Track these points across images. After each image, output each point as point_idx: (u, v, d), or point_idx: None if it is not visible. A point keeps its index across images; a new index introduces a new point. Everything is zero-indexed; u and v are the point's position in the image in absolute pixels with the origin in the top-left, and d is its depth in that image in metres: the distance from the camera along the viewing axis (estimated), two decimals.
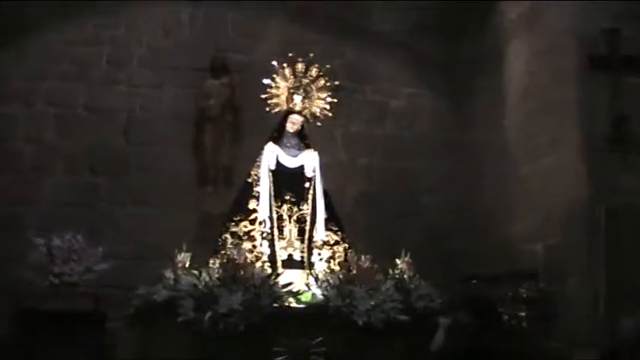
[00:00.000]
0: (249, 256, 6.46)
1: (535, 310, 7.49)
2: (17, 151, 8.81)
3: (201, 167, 8.92)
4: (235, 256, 6.08)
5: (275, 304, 5.99)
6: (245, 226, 6.87)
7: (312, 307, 6.07)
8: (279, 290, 6.01)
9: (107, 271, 7.76)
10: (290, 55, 7.46)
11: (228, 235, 6.83)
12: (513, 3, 8.56)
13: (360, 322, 5.90)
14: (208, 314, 5.76)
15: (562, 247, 7.51)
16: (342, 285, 6.06)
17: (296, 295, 6.13)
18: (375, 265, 6.38)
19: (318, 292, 6.14)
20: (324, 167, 9.06)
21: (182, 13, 9.27)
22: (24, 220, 8.60)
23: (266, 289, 5.93)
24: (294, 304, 6.11)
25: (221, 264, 6.08)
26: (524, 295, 7.58)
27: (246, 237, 6.83)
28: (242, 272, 5.98)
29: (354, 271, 6.18)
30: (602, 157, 7.24)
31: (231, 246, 6.53)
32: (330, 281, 6.11)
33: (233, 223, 6.90)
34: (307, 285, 6.27)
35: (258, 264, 6.50)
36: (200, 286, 5.94)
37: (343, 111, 9.30)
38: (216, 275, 6.02)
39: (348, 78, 9.44)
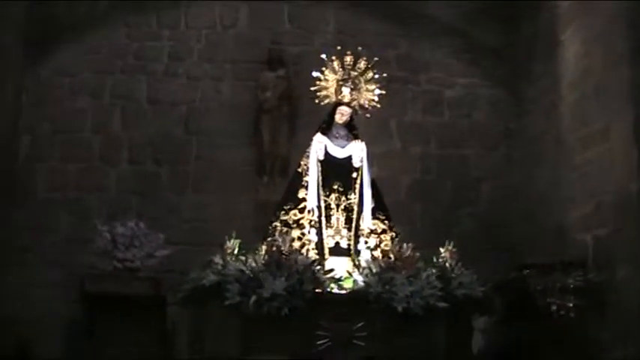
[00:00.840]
0: (296, 243, 6.70)
1: (583, 300, 7.49)
2: (86, 141, 9.25)
3: (258, 158, 9.17)
4: (280, 243, 6.27)
5: (317, 290, 6.16)
6: (295, 215, 7.05)
7: (354, 293, 6.23)
8: (322, 276, 6.20)
9: (168, 257, 8.05)
10: (339, 48, 7.60)
11: (278, 223, 7.03)
12: None
13: (400, 308, 6.04)
14: (253, 298, 5.99)
15: (612, 236, 7.45)
16: (383, 272, 6.19)
17: (338, 281, 6.31)
18: (417, 253, 6.47)
19: (360, 279, 6.29)
20: (377, 157, 9.29)
21: (240, 7, 9.51)
22: (91, 207, 9.03)
23: (309, 275, 6.12)
24: (336, 290, 6.26)
25: (266, 250, 6.29)
26: (572, 286, 7.59)
27: (295, 225, 7.02)
28: (286, 258, 6.14)
29: (395, 259, 6.27)
30: None
31: (278, 233, 6.72)
32: (372, 268, 6.24)
33: (283, 212, 7.09)
34: (349, 272, 6.41)
35: (305, 251, 6.73)
36: (246, 272, 6.16)
37: (398, 101, 9.51)
38: (262, 261, 6.22)
39: (403, 68, 9.59)
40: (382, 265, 6.25)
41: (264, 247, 6.42)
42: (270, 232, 6.97)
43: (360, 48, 7.59)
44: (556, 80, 8.68)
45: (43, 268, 8.74)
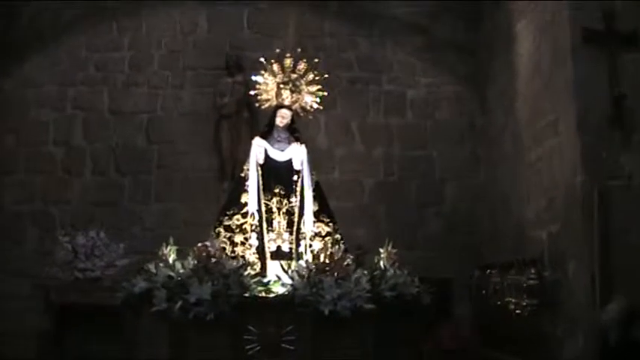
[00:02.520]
0: (239, 248, 6.71)
1: (537, 298, 7.39)
2: (49, 153, 9.33)
3: (219, 163, 9.17)
4: (210, 248, 6.27)
5: (245, 295, 6.14)
6: (237, 220, 7.05)
7: (281, 297, 6.19)
8: (249, 281, 6.16)
9: (132, 266, 8.07)
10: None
11: (221, 229, 7.03)
12: None
13: (326, 311, 5.98)
14: (179, 304, 5.99)
15: (563, 232, 7.33)
16: (312, 275, 6.14)
17: (266, 285, 6.27)
18: (349, 255, 6.42)
19: (289, 282, 6.25)
20: (340, 159, 9.34)
21: (199, 13, 9.54)
22: (56, 219, 9.10)
23: (235, 279, 6.09)
24: (264, 294, 6.24)
25: (195, 255, 6.29)
26: (525, 285, 7.49)
27: (238, 230, 7.02)
28: (214, 263, 6.13)
29: (325, 261, 6.23)
30: (600, 137, 7.01)
31: (217, 239, 6.73)
32: (300, 272, 6.20)
33: (226, 217, 7.08)
34: (277, 276, 6.38)
35: (248, 255, 6.73)
36: (175, 277, 6.16)
37: (359, 102, 9.47)
38: (190, 267, 6.22)
39: (364, 68, 9.55)
40: (311, 268, 6.20)
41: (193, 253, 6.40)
42: (214, 237, 6.97)
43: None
44: (512, 76, 8.58)
45: (11, 280, 8.82)
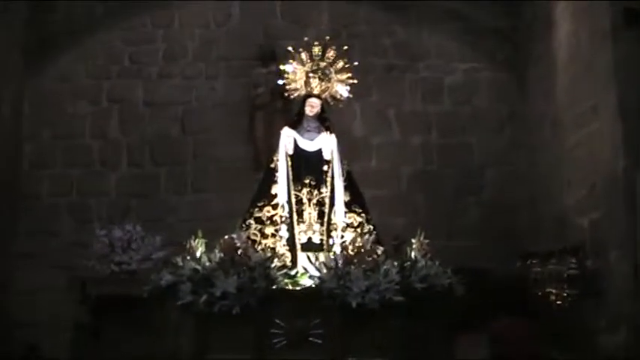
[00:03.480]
0: (269, 240, 6.64)
1: (578, 287, 7.15)
2: (86, 146, 9.36)
3: (254, 154, 9.09)
4: (236, 240, 6.18)
5: (272, 287, 6.04)
6: (268, 211, 6.95)
7: (307, 290, 6.08)
8: (275, 273, 6.06)
9: (167, 258, 8.06)
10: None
11: (252, 221, 6.94)
12: None
13: (354, 304, 5.84)
14: (204, 297, 5.92)
15: (604, 219, 7.08)
16: (339, 267, 6.01)
17: (293, 277, 6.17)
18: (378, 246, 6.28)
19: (316, 274, 6.13)
20: (376, 148, 9.18)
21: (232, 4, 9.47)
22: (93, 211, 9.14)
23: (261, 272, 6.00)
24: (290, 287, 6.13)
25: (220, 248, 6.21)
26: (566, 274, 7.25)
27: (269, 222, 6.92)
28: (240, 256, 6.05)
29: (354, 252, 6.09)
30: None
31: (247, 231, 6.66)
32: (327, 263, 6.07)
33: (257, 209, 6.99)
34: (304, 268, 6.27)
35: (279, 247, 6.64)
36: (200, 270, 6.10)
37: (396, 90, 9.29)
38: (216, 259, 6.15)
39: (401, 55, 9.38)
40: (339, 259, 6.06)
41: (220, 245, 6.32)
42: (245, 229, 6.89)
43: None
44: (552, 61, 8.32)
45: (47, 272, 8.89)
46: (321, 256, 6.41)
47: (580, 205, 7.61)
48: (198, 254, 6.40)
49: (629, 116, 6.74)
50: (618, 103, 6.80)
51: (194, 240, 6.59)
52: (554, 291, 7.48)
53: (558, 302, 7.40)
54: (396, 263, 6.18)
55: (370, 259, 6.09)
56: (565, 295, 7.27)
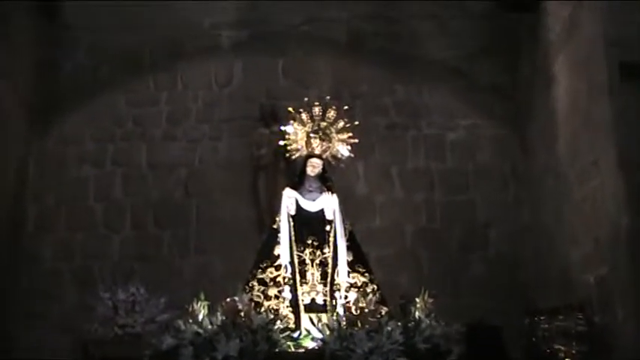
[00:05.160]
0: (273, 302, 6.59)
1: (586, 344, 7.06)
2: (89, 209, 9.37)
3: (257, 214, 9.09)
4: (238, 303, 6.14)
5: (274, 350, 5.97)
6: (271, 272, 6.92)
7: (310, 352, 6.01)
8: (277, 335, 6.00)
9: (171, 321, 8.00)
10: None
11: (254, 282, 6.91)
12: (557, 13, 8.16)
13: None
14: None
15: (610, 275, 7.02)
16: (342, 328, 5.95)
17: (295, 339, 6.10)
18: (382, 306, 6.23)
19: (319, 336, 6.07)
20: (380, 206, 9.18)
21: (234, 64, 9.56)
22: (96, 274, 9.11)
23: (264, 334, 5.94)
24: (293, 349, 6.07)
25: (222, 311, 6.16)
26: (574, 330, 7.17)
27: (272, 283, 6.89)
28: (242, 319, 6.00)
29: (357, 313, 6.04)
30: None
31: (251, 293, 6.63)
32: (329, 325, 6.01)
33: (260, 270, 6.96)
34: (307, 329, 6.21)
35: (282, 309, 6.59)
36: (202, 334, 6.04)
37: (398, 147, 9.32)
38: (218, 323, 6.10)
39: (402, 113, 9.44)
40: (342, 320, 6.01)
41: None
42: (247, 291, 6.85)
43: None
44: (551, 115, 8.35)
45: (50, 335, 8.83)
46: (324, 318, 6.35)
47: (585, 261, 7.56)
48: (200, 317, 6.34)
49: (630, 170, 6.73)
50: (618, 156, 6.80)
51: (196, 303, 6.55)
52: (562, 348, 7.38)
53: (567, 359, 7.30)
54: (399, 324, 6.11)
55: (374, 319, 6.03)
56: (574, 352, 7.18)
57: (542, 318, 8.02)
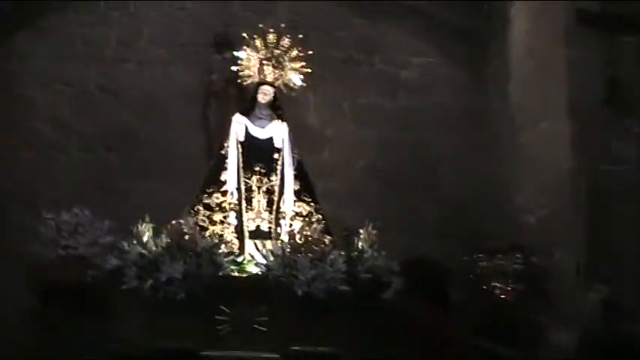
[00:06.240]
0: (217, 227, 6.61)
1: (522, 283, 7.24)
2: (36, 130, 9.18)
3: (207, 141, 9.01)
4: (183, 225, 6.14)
5: (218, 274, 6.01)
6: (217, 198, 6.93)
7: (254, 277, 6.07)
8: (222, 260, 6.03)
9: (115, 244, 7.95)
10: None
11: (200, 207, 6.92)
12: None
13: (300, 292, 5.85)
14: (149, 282, 5.87)
15: (551, 218, 7.17)
16: (286, 255, 6.00)
17: (239, 264, 6.15)
18: (326, 236, 6.29)
19: (263, 262, 6.12)
20: (330, 140, 9.15)
21: None
22: (41, 197, 8.96)
23: (208, 258, 5.97)
24: (237, 274, 6.11)
25: (167, 233, 6.16)
26: (511, 270, 7.34)
27: (218, 208, 6.90)
28: (187, 242, 6.01)
29: (301, 241, 6.09)
30: (592, 121, 6.83)
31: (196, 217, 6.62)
32: (274, 251, 6.06)
33: (206, 195, 6.97)
34: (251, 255, 6.26)
35: (227, 234, 6.62)
36: (146, 255, 6.04)
37: (352, 82, 9.29)
38: (163, 244, 6.10)
39: (359, 49, 9.37)
40: (286, 248, 6.06)
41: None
42: (193, 215, 6.86)
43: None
44: (507, 59, 8.39)
45: None
46: (269, 244, 6.41)
47: (529, 204, 7.70)
48: (145, 239, 6.36)
49: (579, 117, 6.83)
50: (568, 102, 6.89)
51: (141, 225, 6.53)
52: (499, 285, 7.56)
53: (503, 296, 7.48)
54: (343, 253, 6.20)
55: (318, 248, 6.09)
56: (509, 289, 7.36)
57: (482, 257, 8.22)
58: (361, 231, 6.60)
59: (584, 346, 5.31)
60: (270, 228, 6.79)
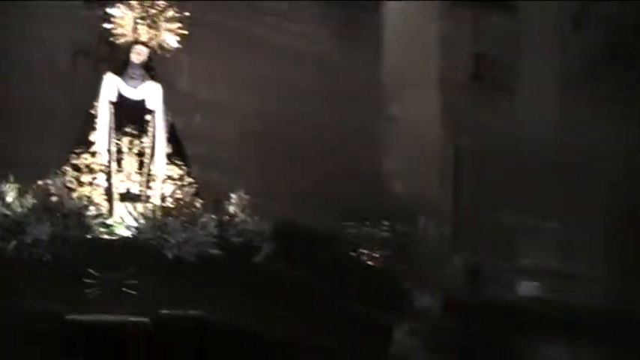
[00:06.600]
0: (86, 188, 6.44)
1: (388, 249, 7.47)
2: None
3: (77, 99, 8.71)
4: (50, 186, 5.96)
5: (87, 236, 5.88)
6: (86, 159, 6.74)
7: (123, 240, 5.97)
8: (90, 222, 5.89)
9: None
10: None
11: (68, 167, 6.71)
12: None
13: (170, 255, 5.80)
14: (13, 243, 5.67)
15: (418, 187, 7.42)
16: (156, 217, 5.94)
17: (109, 226, 6.03)
18: (197, 199, 6.26)
19: (133, 225, 6.03)
20: (200, 104, 9.04)
21: None
22: None
23: (76, 220, 5.82)
24: (106, 237, 6.00)
25: (33, 194, 5.96)
26: (378, 236, 7.56)
27: (86, 169, 6.71)
28: (55, 202, 5.83)
29: (172, 204, 6.04)
30: (461, 94, 7.09)
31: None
32: (145, 214, 5.98)
33: (74, 155, 6.76)
34: (122, 217, 6.15)
35: (96, 196, 6.46)
36: (11, 215, 5.82)
37: (228, 48, 9.17)
38: (29, 205, 5.90)
39: (236, 13, 9.24)
40: (156, 210, 5.99)
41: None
42: (60, 176, 6.64)
43: None
44: (380, 31, 8.53)
45: None
46: (139, 207, 6.31)
47: (397, 173, 7.92)
48: (9, 199, 6.12)
49: (448, 90, 7.08)
50: (439, 77, 7.12)
51: (5, 185, 6.29)
52: (366, 252, 7.77)
53: (370, 263, 7.69)
54: (214, 217, 6.18)
55: (189, 211, 6.06)
56: (376, 256, 7.57)
57: (350, 224, 8.41)
58: (233, 195, 6.59)
59: (447, 309, 5.55)
60: (140, 191, 6.66)
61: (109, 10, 7.02)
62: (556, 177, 6.22)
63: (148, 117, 6.88)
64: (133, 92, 6.90)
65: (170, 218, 5.98)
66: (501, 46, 6.87)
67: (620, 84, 6.29)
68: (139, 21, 6.96)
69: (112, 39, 7.04)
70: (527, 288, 6.03)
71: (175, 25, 7.07)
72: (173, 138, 7.00)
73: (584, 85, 6.60)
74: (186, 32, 7.11)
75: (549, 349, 5.71)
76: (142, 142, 6.81)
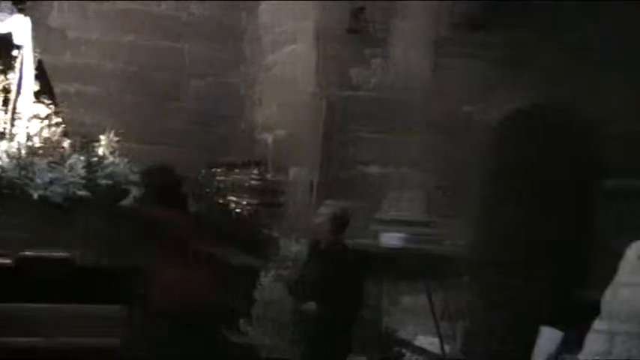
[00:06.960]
0: None
1: (257, 198, 7.55)
2: None
3: None
4: None
5: None
6: None
7: None
8: None
9: None
10: None
11: None
12: None
13: (36, 196, 5.66)
14: None
15: (288, 138, 7.51)
16: (22, 157, 5.76)
17: None
18: (65, 139, 6.11)
19: None
20: (74, 42, 8.76)
21: None
22: None
23: None
24: None
25: None
26: (247, 184, 7.63)
27: None
28: None
29: (39, 144, 5.87)
30: (336, 48, 7.14)
31: None
32: (8, 152, 5.79)
33: None
34: None
35: None
36: None
37: None
38: None
39: None
40: (22, 149, 5.81)
41: None
42: None
43: None
44: None
45: None
46: (4, 145, 6.09)
47: (268, 123, 7.98)
48: None
49: (323, 43, 7.12)
50: (315, 30, 7.15)
51: None
52: (235, 199, 7.82)
53: (238, 210, 7.75)
54: (82, 158, 6.07)
55: (56, 151, 5.92)
56: (245, 203, 7.64)
57: (219, 171, 8.43)
58: (102, 137, 6.48)
59: (313, 256, 5.69)
60: (5, 128, 6.43)
61: None
62: (425, 132, 6.42)
63: (15, 52, 6.61)
64: None
65: (36, 158, 5.82)
66: (378, 2, 6.94)
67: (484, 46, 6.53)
68: None
69: None
70: (391, 239, 6.24)
71: None
72: (41, 75, 6.77)
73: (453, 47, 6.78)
74: None
75: (411, 296, 5.98)
76: (7, 78, 6.56)
